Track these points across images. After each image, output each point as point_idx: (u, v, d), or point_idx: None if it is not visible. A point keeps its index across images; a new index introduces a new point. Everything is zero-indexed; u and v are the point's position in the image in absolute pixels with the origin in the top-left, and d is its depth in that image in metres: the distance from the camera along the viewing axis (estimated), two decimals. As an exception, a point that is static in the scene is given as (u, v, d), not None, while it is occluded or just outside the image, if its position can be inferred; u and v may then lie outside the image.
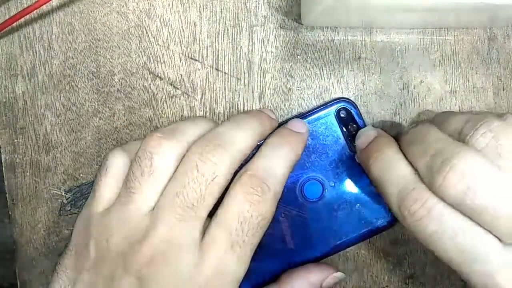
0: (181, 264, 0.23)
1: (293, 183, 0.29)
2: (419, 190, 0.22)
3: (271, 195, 0.24)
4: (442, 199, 0.22)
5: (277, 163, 0.25)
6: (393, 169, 0.24)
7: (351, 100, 0.30)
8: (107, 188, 0.26)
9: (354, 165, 0.29)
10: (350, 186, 0.29)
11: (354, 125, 0.29)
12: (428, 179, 0.22)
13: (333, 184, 0.29)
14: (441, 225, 0.22)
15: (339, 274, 0.28)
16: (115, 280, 0.23)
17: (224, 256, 0.23)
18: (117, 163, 0.26)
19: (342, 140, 0.29)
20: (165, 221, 0.23)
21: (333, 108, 0.29)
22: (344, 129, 0.29)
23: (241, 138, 0.25)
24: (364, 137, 0.27)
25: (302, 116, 0.29)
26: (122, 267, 0.23)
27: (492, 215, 0.21)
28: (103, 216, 0.25)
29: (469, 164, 0.21)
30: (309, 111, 0.29)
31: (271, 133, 0.27)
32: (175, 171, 0.24)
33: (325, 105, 0.30)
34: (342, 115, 0.29)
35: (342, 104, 0.29)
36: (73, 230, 0.27)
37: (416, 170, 0.23)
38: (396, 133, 0.31)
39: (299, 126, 0.28)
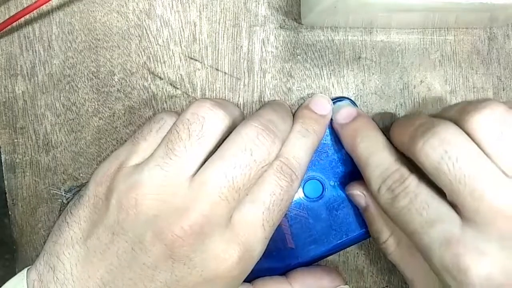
0: (215, 241, 0.23)
1: None
2: (401, 171, 0.25)
3: (297, 182, 0.25)
4: (421, 164, 0.23)
5: (303, 153, 0.26)
6: (379, 152, 0.26)
7: (351, 99, 0.30)
8: (151, 146, 0.24)
9: (354, 164, 0.29)
10: None
11: None
12: (410, 146, 0.24)
13: (333, 183, 0.29)
14: (412, 200, 0.24)
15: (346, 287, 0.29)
16: (143, 244, 0.22)
17: (255, 233, 0.23)
18: (170, 124, 0.25)
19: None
20: (209, 198, 0.22)
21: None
22: None
23: (285, 126, 0.26)
24: (346, 112, 0.28)
25: None
26: (154, 233, 0.22)
27: (463, 186, 0.22)
28: (134, 172, 0.23)
29: (450, 134, 0.22)
30: None
31: (296, 117, 0.28)
32: (222, 147, 0.23)
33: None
34: None
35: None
36: (91, 178, 0.25)
37: (399, 156, 0.26)
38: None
39: (323, 107, 0.28)
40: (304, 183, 0.29)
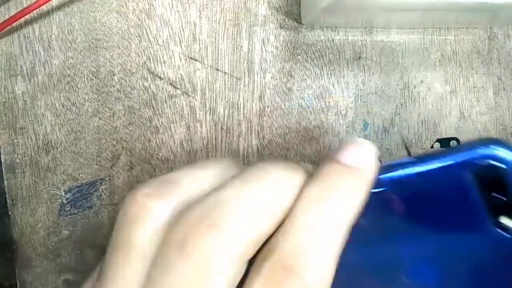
0: None
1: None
2: None
3: None
4: None
5: (319, 244, 0.15)
6: None
7: (505, 142, 0.16)
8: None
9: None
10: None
11: (506, 193, 0.16)
12: None
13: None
14: None
15: None
16: None
17: None
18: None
19: (482, 214, 0.16)
20: None
21: (471, 159, 0.16)
22: (488, 198, 0.16)
23: (236, 200, 0.16)
24: None
25: (413, 162, 0.16)
26: None
27: None
28: None
29: None
30: (426, 154, 0.17)
31: (312, 174, 0.17)
32: (163, 247, 0.16)
33: (456, 150, 0.16)
34: (485, 171, 0.16)
35: (486, 152, 0.15)
36: None
37: None
38: (397, 130, 0.31)
39: (357, 154, 0.16)
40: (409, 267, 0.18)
